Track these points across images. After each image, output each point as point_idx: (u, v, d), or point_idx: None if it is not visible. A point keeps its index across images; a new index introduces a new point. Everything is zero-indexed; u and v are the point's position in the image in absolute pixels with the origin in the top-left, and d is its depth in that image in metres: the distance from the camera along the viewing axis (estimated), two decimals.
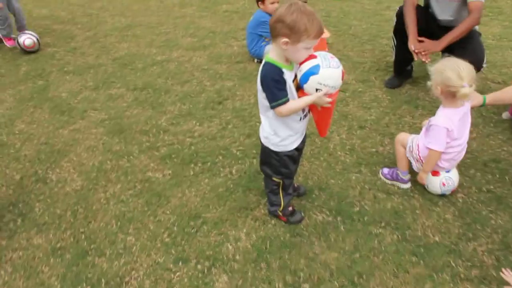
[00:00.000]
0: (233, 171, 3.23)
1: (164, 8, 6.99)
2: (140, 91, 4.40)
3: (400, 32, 3.98)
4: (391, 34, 4.27)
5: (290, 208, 2.78)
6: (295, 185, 2.98)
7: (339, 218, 2.81)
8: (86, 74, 4.83)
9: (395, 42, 4.24)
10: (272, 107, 2.31)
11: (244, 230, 2.74)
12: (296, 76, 2.36)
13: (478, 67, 3.96)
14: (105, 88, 4.50)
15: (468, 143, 2.99)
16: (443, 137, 2.79)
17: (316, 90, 2.26)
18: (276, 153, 2.53)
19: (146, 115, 3.99)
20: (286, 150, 2.52)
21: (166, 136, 3.68)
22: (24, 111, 4.20)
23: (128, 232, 2.78)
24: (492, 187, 3.04)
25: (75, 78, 4.76)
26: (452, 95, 2.66)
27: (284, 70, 2.26)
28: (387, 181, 3.20)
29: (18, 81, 4.79)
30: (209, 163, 3.33)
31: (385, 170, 3.26)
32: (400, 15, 3.99)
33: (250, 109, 4.03)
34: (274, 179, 2.63)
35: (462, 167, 3.21)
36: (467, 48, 3.64)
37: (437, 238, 2.66)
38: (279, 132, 2.47)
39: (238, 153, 3.43)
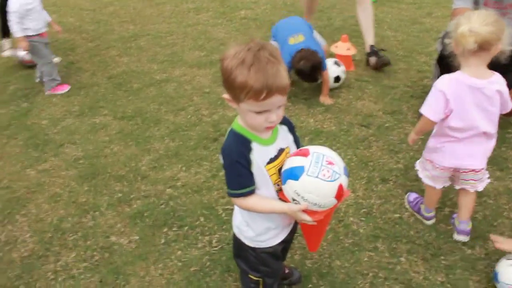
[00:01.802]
0: (214, 241, 2.59)
1: (177, 14, 6.36)
2: (128, 121, 3.80)
3: (446, 60, 3.15)
4: (434, 60, 3.52)
5: None
6: (286, 271, 2.31)
7: None
8: (75, 96, 4.28)
9: (438, 71, 3.45)
10: (229, 195, 1.67)
11: None
12: (279, 155, 1.68)
13: None
14: (91, 115, 3.93)
15: None
16: (436, 103, 2.21)
17: (293, 199, 1.58)
18: (252, 248, 1.86)
19: (127, 154, 3.39)
20: (264, 247, 1.84)
21: (144, 184, 3.07)
22: None
23: None
24: None
25: (62, 100, 4.21)
26: (466, 52, 2.12)
27: (254, 143, 1.60)
28: (408, 208, 2.73)
29: (2, 102, 4.29)
30: (186, 227, 2.70)
31: (412, 197, 2.75)
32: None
33: None
34: (251, 276, 1.95)
35: None
36: None
37: None
38: (253, 224, 1.80)
39: (224, 214, 2.78)
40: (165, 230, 2.69)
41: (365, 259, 2.44)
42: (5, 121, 3.95)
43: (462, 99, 2.19)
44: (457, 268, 2.39)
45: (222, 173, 3.13)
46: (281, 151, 1.69)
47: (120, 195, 2.99)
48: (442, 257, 2.46)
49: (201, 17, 6.17)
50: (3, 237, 2.76)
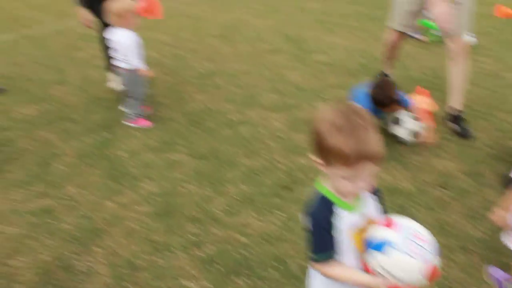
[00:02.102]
0: None
1: (254, 54, 6.52)
2: (203, 160, 3.89)
3: None
4: None
5: None
6: None
7: None
8: (153, 129, 4.44)
9: None
10: (311, 260, 1.65)
11: None
12: (364, 222, 1.65)
13: None
14: (168, 151, 4.06)
15: None
16: None
17: (377, 272, 1.55)
18: None
19: (201, 194, 3.46)
20: None
21: (216, 228, 3.11)
22: (79, 170, 3.86)
23: None
24: None
25: (141, 133, 4.38)
26: None
27: (338, 208, 1.58)
28: (490, 283, 2.55)
29: (86, 131, 4.51)
30: (256, 279, 2.69)
31: (495, 272, 2.59)
32: None
33: None
34: None
35: None
36: None
37: None
38: None
39: (295, 269, 2.77)
40: (235, 279, 2.70)
41: None
42: (88, 150, 4.14)
43: None
44: None
45: (295, 224, 3.12)
46: (366, 218, 1.66)
47: (192, 237, 3.04)
48: None
49: (277, 59, 6.28)
50: (81, 267, 2.86)
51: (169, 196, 3.46)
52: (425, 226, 2.89)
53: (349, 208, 1.61)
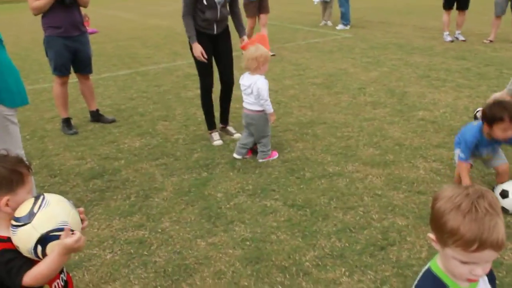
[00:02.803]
0: None
1: (354, 106, 6.47)
2: (297, 210, 3.87)
3: None
4: None
5: None
6: None
7: None
8: (251, 174, 4.51)
9: None
10: None
11: None
12: None
13: None
14: (262, 197, 4.09)
15: None
16: None
17: None
18: None
19: (292, 244, 3.42)
20: None
21: (305, 282, 3.04)
22: (176, 206, 4.00)
23: None
24: None
25: (238, 176, 4.47)
26: None
27: None
28: None
29: (186, 168, 4.70)
30: None
31: None
32: None
33: (418, 266, 3.17)
34: None
35: None
36: None
37: None
38: None
39: None
40: None
41: None
42: (186, 188, 4.29)
43: None
44: None
45: (385, 287, 2.98)
46: None
47: (280, 286, 2.99)
48: None
49: (378, 113, 6.19)
50: None
51: (261, 242, 3.46)
52: None
53: None
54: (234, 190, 4.22)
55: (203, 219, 3.78)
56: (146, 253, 3.40)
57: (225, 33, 5.10)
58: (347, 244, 3.41)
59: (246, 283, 3.04)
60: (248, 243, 3.46)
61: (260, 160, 4.78)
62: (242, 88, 4.66)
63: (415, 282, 1.61)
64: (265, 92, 4.56)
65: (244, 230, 3.62)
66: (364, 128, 5.65)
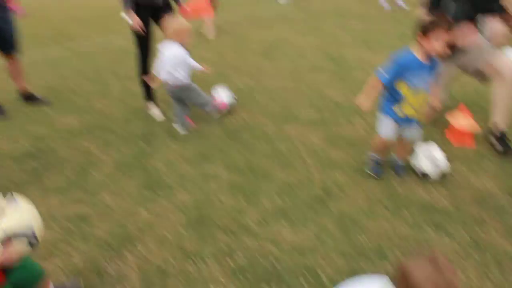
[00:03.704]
0: None
1: (294, 72, 6.51)
2: (238, 173, 3.87)
3: None
4: None
5: None
6: None
7: None
8: (191, 143, 4.46)
9: None
10: None
11: None
12: None
13: None
14: (203, 163, 4.06)
15: None
16: None
17: None
18: None
19: (234, 205, 3.43)
20: None
21: (248, 239, 3.06)
22: (116, 179, 3.91)
23: None
24: None
25: (178, 145, 4.41)
26: None
27: None
28: None
29: (124, 141, 4.59)
30: (284, 287, 2.62)
31: None
32: None
33: (356, 215, 3.27)
34: None
35: None
36: None
37: None
38: None
39: (326, 280, 2.68)
40: (263, 286, 2.64)
41: None
42: (125, 160, 4.20)
43: None
44: None
45: (327, 237, 3.05)
46: None
47: (224, 246, 3.00)
48: None
49: (317, 76, 6.26)
50: (112, 271, 2.86)
51: (203, 206, 3.44)
52: (460, 243, 2.80)
53: None
54: (174, 159, 4.17)
55: (144, 189, 3.72)
56: (86, 227, 3.31)
57: (168, 5, 4.97)
58: (288, 201, 3.46)
59: (190, 246, 3.03)
60: (190, 208, 3.44)
61: (216, 117, 4.88)
62: (163, 58, 4.53)
63: None
64: (186, 58, 4.49)
65: (186, 196, 3.59)
66: (303, 91, 5.71)
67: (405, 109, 3.42)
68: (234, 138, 4.51)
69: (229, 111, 5.08)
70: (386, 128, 3.55)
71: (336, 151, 4.19)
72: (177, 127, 4.74)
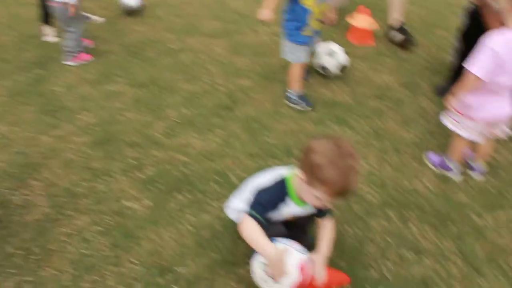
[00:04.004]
0: (225, 210, 2.56)
1: None
2: (142, 89, 3.78)
3: (471, 37, 3.02)
4: (456, 33, 3.41)
5: None
6: None
7: None
8: (91, 63, 4.25)
9: (461, 46, 3.35)
10: (248, 213, 1.89)
11: None
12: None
13: None
14: (105, 83, 3.91)
15: None
16: (488, 61, 2.21)
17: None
18: None
19: (141, 120, 3.37)
20: None
21: (157, 151, 3.05)
22: (12, 109, 3.68)
23: (81, 287, 2.18)
24: None
25: (77, 68, 4.19)
26: None
27: (291, 201, 1.92)
28: (433, 168, 2.79)
29: (18, 69, 4.27)
30: (198, 193, 2.69)
31: (432, 156, 2.85)
32: (474, 16, 3.08)
33: (264, 118, 3.34)
34: None
35: None
36: None
37: None
38: None
39: (236, 180, 2.77)
40: (177, 195, 2.69)
41: (376, 226, 2.43)
42: (20, 88, 3.94)
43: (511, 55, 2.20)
44: (467, 236, 2.38)
45: (236, 140, 3.11)
46: (307, 214, 1.98)
47: (133, 161, 2.98)
48: (452, 225, 2.45)
49: None
50: (18, 201, 2.76)
51: (108, 125, 3.36)
52: (361, 134, 2.96)
53: (300, 203, 1.91)
54: (74, 81, 3.98)
55: (44, 116, 3.54)
56: None
57: None
58: (195, 111, 3.45)
59: (97, 165, 2.98)
60: (95, 128, 3.34)
61: (64, 62, 4.29)
62: None
63: (265, 183, 1.93)
64: None
65: (90, 117, 3.48)
66: (206, 4, 5.55)
67: (313, 25, 3.28)
68: (136, 55, 4.36)
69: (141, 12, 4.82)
70: (298, 54, 3.37)
71: (241, 59, 4.18)
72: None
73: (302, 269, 1.83)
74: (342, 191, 1.69)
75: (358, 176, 1.71)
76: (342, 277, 2.05)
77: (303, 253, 1.89)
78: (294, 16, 3.22)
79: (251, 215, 1.85)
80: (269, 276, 1.84)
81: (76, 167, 2.97)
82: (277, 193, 1.90)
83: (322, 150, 1.69)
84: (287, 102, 3.55)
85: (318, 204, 1.81)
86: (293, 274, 1.81)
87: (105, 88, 3.83)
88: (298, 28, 3.24)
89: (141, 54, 4.38)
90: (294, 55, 3.37)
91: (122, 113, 3.47)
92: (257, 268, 1.92)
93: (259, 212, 1.86)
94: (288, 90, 3.55)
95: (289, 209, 1.92)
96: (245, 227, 1.86)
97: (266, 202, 1.88)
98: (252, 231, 1.83)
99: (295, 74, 3.46)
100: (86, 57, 4.31)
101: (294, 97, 3.51)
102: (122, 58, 4.33)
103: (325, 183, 1.68)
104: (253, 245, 1.86)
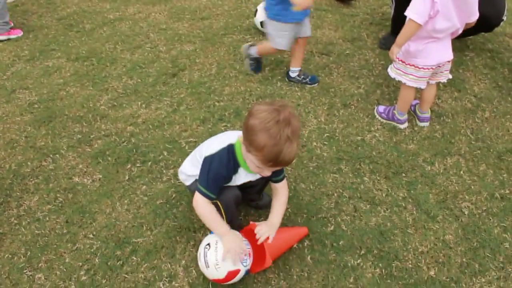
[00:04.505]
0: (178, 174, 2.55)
1: None
2: (82, 62, 3.65)
3: None
4: None
5: None
6: None
7: (306, 243, 2.16)
8: (24, 39, 4.07)
9: None
10: (197, 190, 1.91)
11: (183, 262, 2.13)
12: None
13: (496, 21, 3.17)
14: (42, 59, 3.76)
15: (478, 125, 2.39)
16: (424, 6, 2.28)
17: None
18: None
19: (83, 94, 3.28)
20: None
21: (103, 124, 2.99)
22: None
23: (38, 267, 2.16)
24: (507, 191, 2.35)
25: (10, 45, 4.00)
26: None
27: (241, 168, 1.91)
28: (382, 120, 2.87)
29: None
30: (150, 162, 2.66)
31: (381, 108, 2.90)
32: None
33: (210, 82, 3.31)
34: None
35: (470, 161, 2.52)
36: None
37: (432, 273, 2.02)
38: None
39: (187, 146, 2.76)
40: (128, 166, 2.65)
41: (330, 180, 2.48)
42: None
43: (447, 1, 2.27)
44: (418, 183, 2.46)
45: (183, 107, 3.08)
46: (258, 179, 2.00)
47: (79, 136, 2.91)
48: (403, 175, 2.52)
49: None
50: None
51: (50, 101, 3.25)
52: (309, 91, 2.99)
53: (249, 171, 1.89)
54: (8, 60, 3.79)
55: None
56: None
57: None
58: (139, 80, 3.38)
59: (43, 143, 2.89)
60: (36, 106, 3.22)
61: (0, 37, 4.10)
62: None
63: (214, 152, 1.89)
64: None
65: (29, 95, 3.34)
66: None
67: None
68: (72, 28, 4.20)
69: None
70: (283, 40, 3.04)
71: (182, 24, 4.11)
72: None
73: (249, 255, 1.92)
74: (275, 159, 1.64)
75: (296, 146, 1.67)
76: (301, 231, 2.12)
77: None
78: None
79: (201, 192, 1.88)
80: (211, 260, 1.88)
81: (20, 148, 2.87)
82: (228, 165, 1.87)
83: (259, 115, 1.65)
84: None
85: (259, 171, 1.81)
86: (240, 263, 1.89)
87: (43, 65, 3.69)
88: (286, 5, 2.79)
89: (78, 26, 4.22)
90: (278, 40, 3.05)
91: (64, 89, 3.36)
92: (201, 254, 1.94)
93: (210, 189, 1.87)
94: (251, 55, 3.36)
95: (242, 177, 1.94)
96: (198, 205, 1.91)
97: (216, 176, 1.88)
98: (204, 211, 1.90)
99: (267, 52, 3.29)
100: (17, 32, 4.12)
101: (252, 61, 3.37)
102: (58, 32, 4.16)
103: (257, 148, 1.65)
104: (206, 224, 1.95)
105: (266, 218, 2.26)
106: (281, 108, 1.66)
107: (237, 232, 1.94)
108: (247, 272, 1.94)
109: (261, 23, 3.75)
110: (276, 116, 1.63)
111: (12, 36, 4.08)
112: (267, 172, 1.80)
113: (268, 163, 1.68)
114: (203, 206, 1.89)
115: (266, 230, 1.95)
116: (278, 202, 2.04)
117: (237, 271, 1.87)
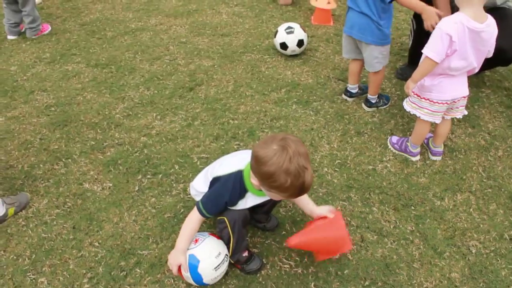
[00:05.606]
0: (188, 189, 2.56)
1: None
2: (101, 69, 3.70)
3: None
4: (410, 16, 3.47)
5: (245, 254, 2.12)
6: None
7: (310, 270, 2.15)
8: (46, 42, 4.13)
9: (414, 26, 3.43)
10: (197, 207, 1.93)
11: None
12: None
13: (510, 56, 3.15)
14: (63, 62, 3.81)
15: (490, 163, 2.39)
16: (442, 45, 2.27)
17: None
18: None
19: (100, 101, 3.31)
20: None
21: (117, 132, 3.01)
22: None
23: (41, 271, 2.16)
24: None
25: (32, 47, 4.06)
26: None
27: (249, 193, 1.90)
28: (394, 151, 2.87)
29: None
30: (160, 175, 2.66)
31: (394, 139, 2.90)
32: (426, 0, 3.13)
33: (226, 99, 3.33)
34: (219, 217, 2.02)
35: (480, 199, 2.51)
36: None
37: None
38: None
39: (199, 162, 2.76)
40: (139, 177, 2.66)
41: (338, 208, 2.47)
42: None
43: (465, 41, 2.29)
44: (427, 218, 2.44)
45: (198, 122, 3.10)
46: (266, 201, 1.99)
47: (93, 142, 2.93)
48: (413, 208, 2.50)
49: None
50: None
51: (67, 105, 3.29)
52: (324, 116, 3.00)
53: (259, 194, 1.89)
54: (29, 61, 3.86)
55: None
56: None
57: None
58: (156, 92, 3.41)
59: (56, 146, 2.91)
60: (53, 109, 3.26)
61: (30, 36, 4.23)
62: None
63: (221, 174, 1.92)
64: None
65: (47, 97, 3.39)
66: None
67: None
68: (94, 34, 4.26)
69: None
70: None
71: (202, 39, 4.15)
72: (10, 37, 4.27)
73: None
74: (300, 190, 1.67)
75: (312, 171, 1.74)
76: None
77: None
78: (390, 15, 2.92)
79: (198, 207, 1.91)
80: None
81: (34, 149, 2.90)
82: (232, 191, 1.87)
83: (270, 161, 1.63)
84: (366, 107, 3.33)
85: (278, 199, 1.87)
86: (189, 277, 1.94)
87: (62, 68, 3.74)
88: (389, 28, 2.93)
89: (100, 33, 4.28)
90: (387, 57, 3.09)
91: (81, 94, 3.40)
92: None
93: (208, 210, 1.90)
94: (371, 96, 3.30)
95: (250, 201, 1.93)
96: (188, 216, 1.95)
97: (217, 197, 1.89)
98: (186, 222, 1.94)
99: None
100: (47, 27, 4.33)
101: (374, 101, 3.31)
102: (80, 37, 4.22)
103: (282, 189, 1.67)
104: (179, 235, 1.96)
105: (273, 240, 2.28)
106: (284, 143, 1.65)
107: (188, 255, 1.93)
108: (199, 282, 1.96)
109: (281, 44, 3.78)
110: (286, 154, 1.62)
111: (45, 32, 4.24)
112: (281, 199, 1.88)
113: (295, 195, 1.73)
114: (190, 219, 1.94)
115: (326, 208, 2.05)
116: (302, 201, 2.09)
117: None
